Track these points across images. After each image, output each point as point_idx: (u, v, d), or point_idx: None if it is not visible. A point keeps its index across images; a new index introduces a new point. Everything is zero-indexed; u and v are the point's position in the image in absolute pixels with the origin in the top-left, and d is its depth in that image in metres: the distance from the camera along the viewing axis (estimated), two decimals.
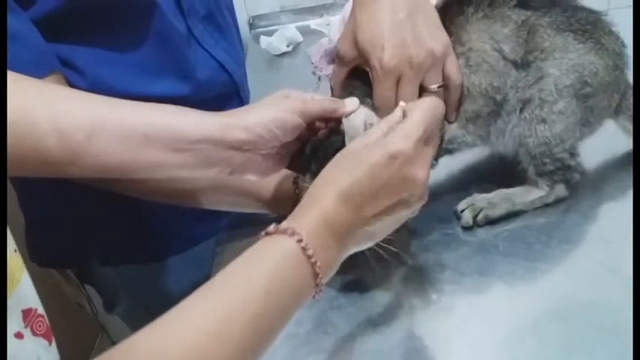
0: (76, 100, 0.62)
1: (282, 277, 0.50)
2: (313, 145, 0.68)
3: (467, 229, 0.80)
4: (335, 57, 0.78)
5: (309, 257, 0.52)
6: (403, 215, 0.59)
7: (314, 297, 0.54)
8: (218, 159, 0.63)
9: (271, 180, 0.79)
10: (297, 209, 0.55)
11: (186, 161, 0.62)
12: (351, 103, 0.67)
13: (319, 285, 0.53)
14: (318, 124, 0.68)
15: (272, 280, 0.50)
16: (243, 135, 0.62)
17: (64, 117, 0.59)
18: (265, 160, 0.66)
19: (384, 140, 0.57)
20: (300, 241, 0.51)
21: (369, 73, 0.73)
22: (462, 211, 0.80)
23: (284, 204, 0.79)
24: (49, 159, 0.59)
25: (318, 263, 0.52)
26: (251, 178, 0.69)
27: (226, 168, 0.65)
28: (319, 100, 0.66)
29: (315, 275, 0.52)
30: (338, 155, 0.58)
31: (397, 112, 0.61)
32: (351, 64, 0.76)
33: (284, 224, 0.53)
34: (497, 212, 0.80)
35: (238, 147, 0.63)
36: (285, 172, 0.74)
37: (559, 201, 0.81)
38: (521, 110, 0.78)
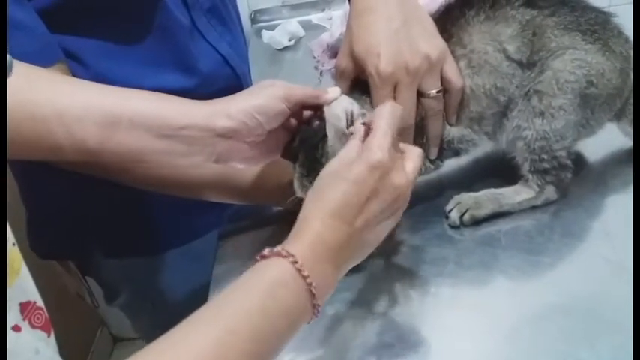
0: (61, 85, 0.63)
1: (278, 300, 0.50)
2: (301, 134, 0.69)
3: (454, 228, 0.80)
4: (335, 73, 0.79)
5: (305, 277, 0.52)
6: (390, 222, 0.60)
7: (311, 318, 0.54)
8: (202, 146, 0.64)
9: (271, 172, 0.79)
10: (290, 234, 0.55)
11: (170, 148, 0.63)
12: (334, 91, 0.68)
13: (316, 306, 0.53)
14: (306, 112, 0.69)
15: (268, 303, 0.50)
16: (226, 122, 0.63)
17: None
18: (251, 148, 0.67)
19: (360, 155, 0.58)
20: (294, 262, 0.52)
21: (368, 82, 0.74)
22: (450, 210, 0.80)
23: (285, 196, 0.79)
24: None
25: (313, 284, 0.52)
26: (236, 167, 0.69)
27: (211, 156, 0.65)
28: (303, 87, 0.67)
29: (312, 296, 0.52)
30: (320, 177, 0.59)
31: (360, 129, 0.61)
32: (351, 76, 0.76)
33: (278, 247, 0.53)
34: (483, 212, 0.79)
35: (222, 134, 0.63)
36: (284, 163, 0.75)
37: (548, 204, 0.81)
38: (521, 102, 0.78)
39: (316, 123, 0.68)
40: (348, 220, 0.56)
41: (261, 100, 0.64)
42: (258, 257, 0.53)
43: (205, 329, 0.47)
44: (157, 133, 0.62)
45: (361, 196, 0.56)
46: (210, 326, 0.48)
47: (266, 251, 0.53)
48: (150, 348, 0.46)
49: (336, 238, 0.55)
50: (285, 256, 0.52)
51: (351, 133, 0.65)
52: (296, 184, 0.70)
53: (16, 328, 0.46)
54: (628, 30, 0.80)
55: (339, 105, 0.66)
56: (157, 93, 0.65)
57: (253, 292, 0.50)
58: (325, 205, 0.55)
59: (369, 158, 0.57)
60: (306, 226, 0.55)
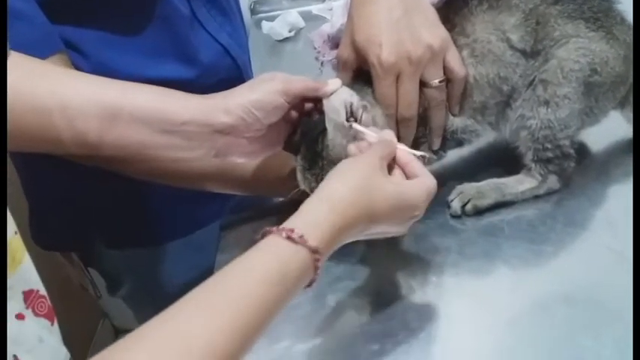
0: (65, 78, 0.63)
1: (281, 287, 0.50)
2: (302, 127, 0.68)
3: (455, 217, 0.80)
4: (337, 64, 0.78)
5: (316, 269, 0.52)
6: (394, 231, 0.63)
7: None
8: (201, 141, 0.64)
9: (273, 163, 0.79)
10: (313, 208, 0.54)
11: (170, 142, 0.63)
12: (333, 83, 0.67)
13: (307, 288, 0.54)
14: (307, 104, 0.68)
15: (271, 289, 0.49)
16: (224, 118, 0.63)
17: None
18: (251, 143, 0.66)
19: (424, 180, 0.61)
20: (317, 260, 0.52)
21: (370, 73, 0.73)
22: (452, 200, 0.80)
23: (287, 188, 0.79)
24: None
25: (318, 278, 0.53)
26: (236, 161, 0.69)
27: (210, 150, 0.65)
28: (302, 79, 0.67)
29: (311, 284, 0.53)
30: (364, 174, 0.58)
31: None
32: (353, 67, 0.76)
33: (310, 240, 0.51)
34: (485, 202, 0.79)
35: (221, 130, 0.63)
36: (286, 155, 0.74)
37: (551, 193, 0.81)
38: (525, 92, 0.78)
39: (316, 116, 0.68)
40: (372, 225, 0.58)
41: (259, 94, 0.64)
42: (283, 234, 0.51)
43: (197, 311, 0.48)
44: (157, 127, 0.62)
45: (405, 214, 0.59)
46: (205, 306, 0.48)
47: (295, 235, 0.51)
48: (143, 328, 0.45)
49: (353, 233, 0.56)
50: (313, 252, 0.51)
51: (351, 125, 0.65)
52: (299, 177, 0.70)
53: (20, 317, 0.46)
54: (630, 17, 0.79)
55: (339, 98, 0.65)
56: (158, 87, 0.65)
57: (259, 277, 0.50)
58: (368, 212, 0.56)
59: (431, 187, 0.61)
60: (333, 211, 0.54)
